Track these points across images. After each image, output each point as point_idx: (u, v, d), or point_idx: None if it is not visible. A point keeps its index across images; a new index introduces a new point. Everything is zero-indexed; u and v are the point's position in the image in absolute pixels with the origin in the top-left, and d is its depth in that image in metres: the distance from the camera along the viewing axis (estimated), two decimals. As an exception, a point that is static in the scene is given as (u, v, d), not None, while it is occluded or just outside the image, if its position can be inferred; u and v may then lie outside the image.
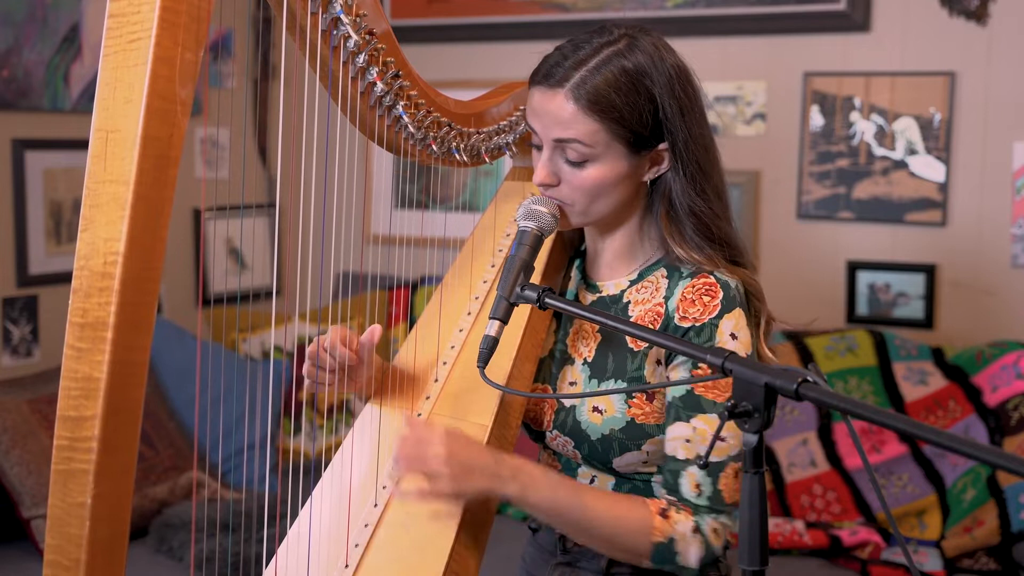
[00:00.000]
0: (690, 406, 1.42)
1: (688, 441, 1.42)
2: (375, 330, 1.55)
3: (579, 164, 1.45)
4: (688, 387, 1.43)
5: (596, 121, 1.42)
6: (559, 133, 1.44)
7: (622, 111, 1.42)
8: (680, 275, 1.48)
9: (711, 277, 1.45)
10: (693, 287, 1.45)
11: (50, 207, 3.21)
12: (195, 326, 3.61)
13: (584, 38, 1.47)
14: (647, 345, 1.48)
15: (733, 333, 1.42)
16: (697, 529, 1.41)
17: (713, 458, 1.41)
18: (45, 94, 3.17)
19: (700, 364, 1.42)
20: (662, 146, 1.46)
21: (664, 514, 1.41)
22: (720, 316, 1.43)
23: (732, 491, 1.42)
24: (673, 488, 1.43)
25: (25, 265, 3.16)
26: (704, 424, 1.41)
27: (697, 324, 1.43)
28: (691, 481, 1.42)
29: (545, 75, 1.45)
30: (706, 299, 1.44)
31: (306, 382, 1.54)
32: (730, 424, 1.40)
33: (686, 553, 1.40)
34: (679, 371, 1.45)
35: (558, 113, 1.43)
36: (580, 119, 1.42)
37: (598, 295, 1.57)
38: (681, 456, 1.42)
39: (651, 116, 1.44)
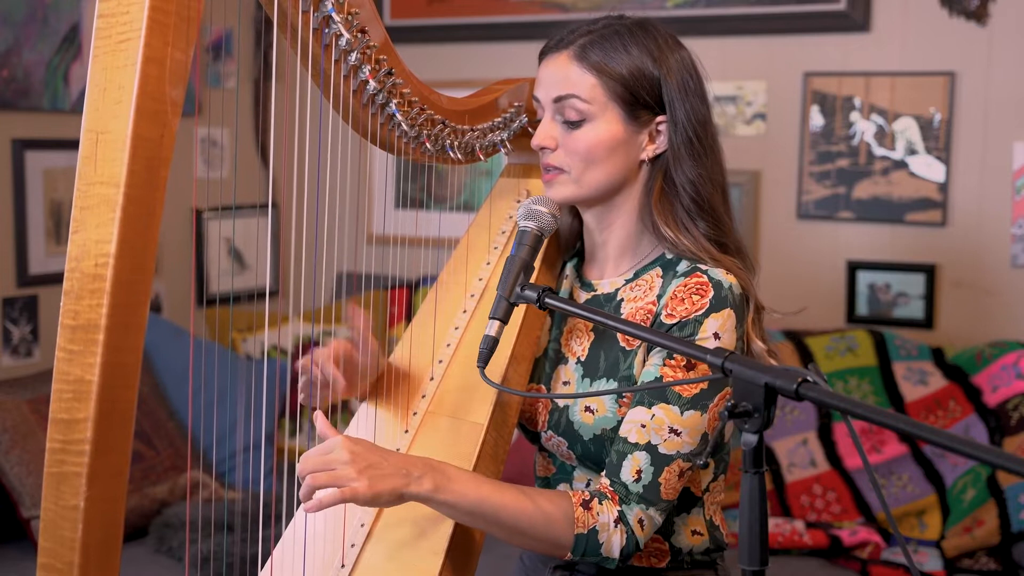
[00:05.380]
0: (654, 393, 1.42)
1: (643, 426, 1.41)
2: (356, 316, 1.53)
3: (576, 124, 1.47)
4: (657, 374, 1.43)
5: (594, 76, 1.46)
6: (559, 90, 1.47)
7: (622, 71, 1.46)
8: (675, 274, 1.47)
9: (704, 276, 1.44)
10: (685, 286, 1.44)
11: (50, 207, 3.21)
12: (194, 326, 3.61)
13: (596, 19, 1.52)
14: (638, 344, 1.48)
15: (717, 332, 1.41)
16: (620, 520, 1.40)
17: (662, 450, 1.40)
18: (45, 94, 3.17)
19: (674, 355, 1.42)
20: (660, 118, 1.48)
21: (586, 505, 1.39)
22: (707, 314, 1.42)
23: (671, 488, 1.41)
24: (615, 468, 1.42)
25: (25, 265, 3.16)
26: (663, 413, 1.41)
27: (682, 320, 1.43)
28: (634, 465, 1.41)
29: (555, 43, 1.51)
30: (695, 298, 1.43)
31: (301, 396, 1.53)
32: (690, 421, 1.40)
33: (608, 543, 1.39)
34: (654, 358, 1.45)
35: (560, 71, 1.48)
36: (579, 74, 1.46)
37: (592, 293, 1.57)
38: (632, 439, 1.41)
39: (652, 85, 1.47)
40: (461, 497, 1.32)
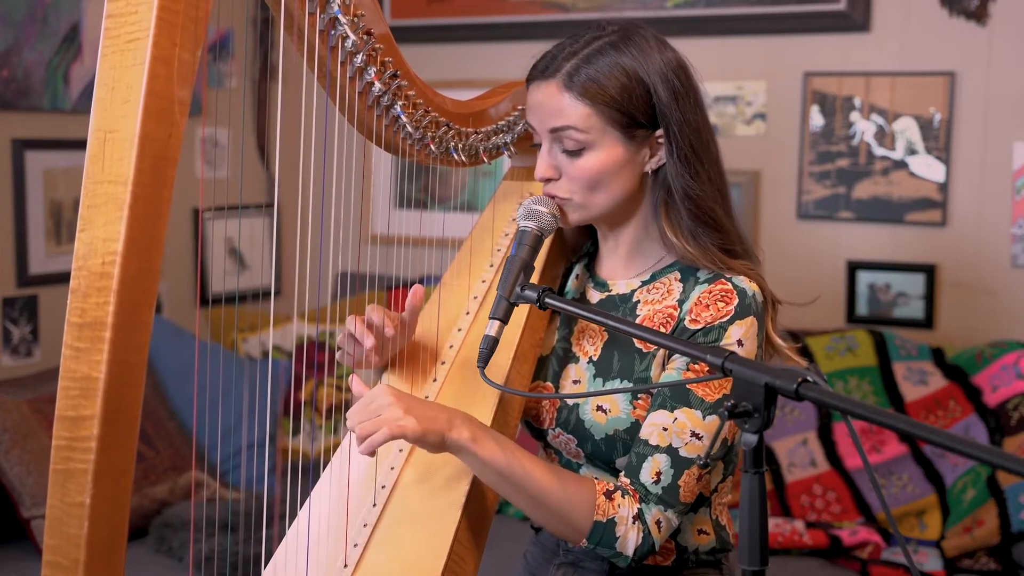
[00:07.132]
0: (677, 397, 1.42)
1: (665, 429, 1.41)
2: (418, 291, 1.53)
3: (576, 153, 1.46)
4: (680, 378, 1.43)
5: (587, 106, 1.44)
6: (554, 122, 1.46)
7: (613, 95, 1.43)
8: (696, 280, 1.48)
9: (728, 284, 1.45)
10: (710, 292, 1.45)
11: (50, 207, 3.21)
12: (195, 326, 3.61)
13: (578, 34, 1.49)
14: (657, 347, 1.48)
15: (740, 340, 1.42)
16: (639, 517, 1.40)
17: (683, 453, 1.41)
18: (45, 94, 3.17)
19: (698, 361, 1.42)
20: (658, 133, 1.47)
21: (609, 496, 1.40)
22: (731, 321, 1.42)
23: (690, 491, 1.42)
24: (634, 469, 1.42)
25: (25, 265, 3.16)
26: (685, 417, 1.41)
27: (707, 326, 1.43)
28: (654, 467, 1.41)
29: (541, 70, 1.48)
30: (720, 304, 1.43)
31: (338, 352, 1.55)
32: (711, 426, 1.40)
33: (624, 538, 1.39)
34: (676, 363, 1.45)
35: (551, 102, 1.45)
36: (572, 105, 1.44)
37: (607, 293, 1.57)
38: (653, 441, 1.42)
39: (644, 101, 1.45)
40: (494, 454, 1.35)
